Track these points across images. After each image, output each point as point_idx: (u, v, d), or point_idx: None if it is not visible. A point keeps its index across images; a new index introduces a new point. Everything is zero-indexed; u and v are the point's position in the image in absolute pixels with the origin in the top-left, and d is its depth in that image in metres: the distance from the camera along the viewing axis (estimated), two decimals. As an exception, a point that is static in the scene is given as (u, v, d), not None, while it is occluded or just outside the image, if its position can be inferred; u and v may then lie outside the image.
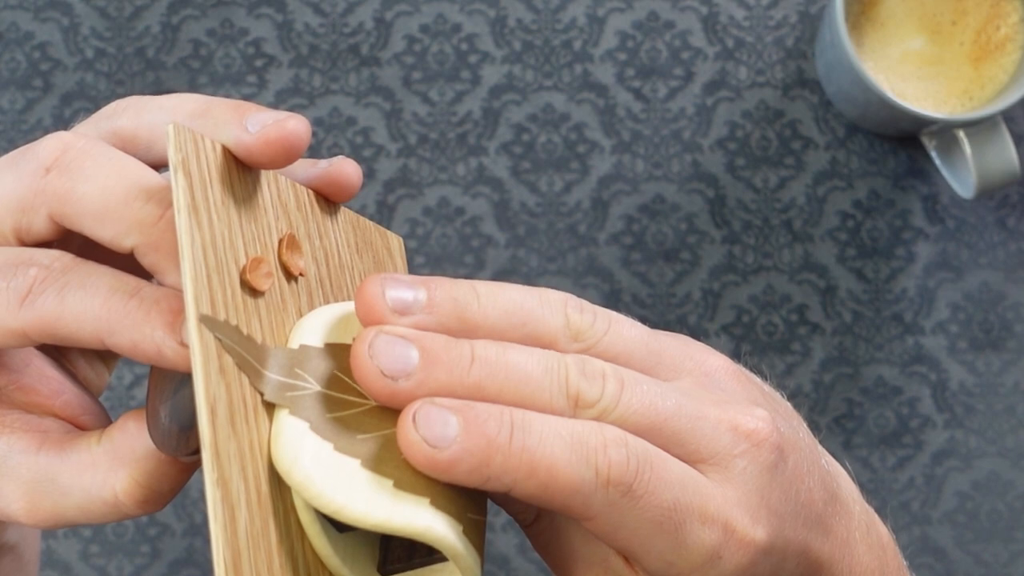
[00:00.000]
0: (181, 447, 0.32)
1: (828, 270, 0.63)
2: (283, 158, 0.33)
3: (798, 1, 0.64)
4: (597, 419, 0.34)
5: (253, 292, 0.32)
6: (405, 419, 0.31)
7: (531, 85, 0.63)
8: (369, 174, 0.63)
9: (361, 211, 0.63)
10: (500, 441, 0.32)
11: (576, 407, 0.34)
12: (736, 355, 0.63)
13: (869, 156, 0.63)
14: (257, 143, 0.33)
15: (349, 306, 0.34)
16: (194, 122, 0.34)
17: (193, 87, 0.63)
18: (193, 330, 0.30)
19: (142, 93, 0.63)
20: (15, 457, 0.36)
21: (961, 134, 0.58)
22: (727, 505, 0.35)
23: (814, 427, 0.62)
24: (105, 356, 0.41)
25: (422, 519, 0.30)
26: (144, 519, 0.62)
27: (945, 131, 0.60)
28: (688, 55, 0.64)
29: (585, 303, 0.36)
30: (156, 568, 0.62)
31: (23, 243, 0.36)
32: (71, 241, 0.37)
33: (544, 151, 0.63)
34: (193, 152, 0.31)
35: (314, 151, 0.63)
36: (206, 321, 0.30)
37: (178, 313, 0.33)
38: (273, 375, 0.31)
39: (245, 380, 0.30)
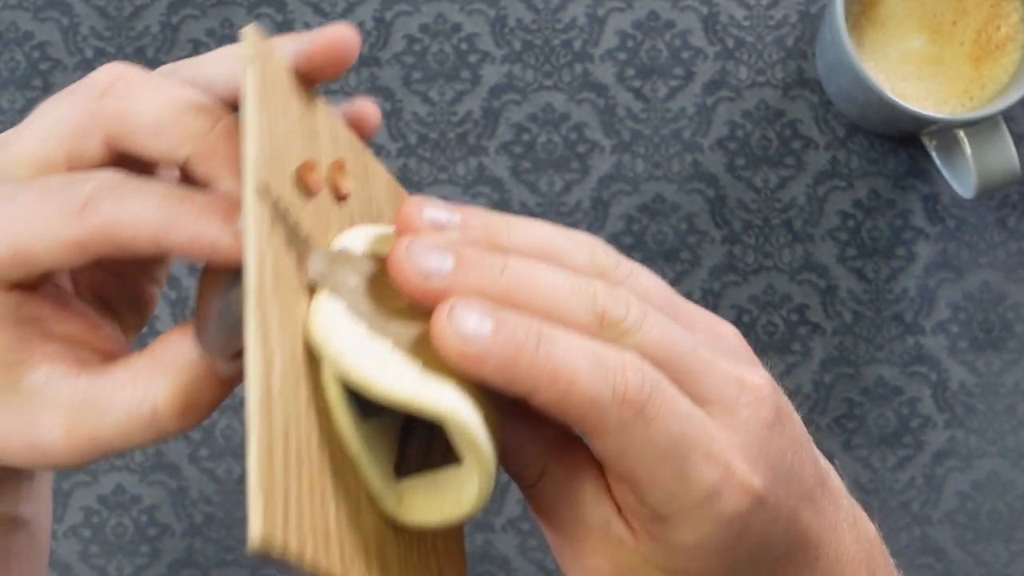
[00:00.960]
0: (229, 346, 0.33)
1: (828, 270, 0.63)
2: (337, 62, 0.35)
3: (798, 1, 0.64)
4: (617, 341, 0.35)
5: (305, 190, 0.33)
6: (441, 312, 0.32)
7: (531, 85, 0.63)
8: (369, 174, 0.63)
9: (361, 211, 0.63)
10: (527, 347, 0.33)
11: (601, 325, 0.35)
12: (736, 355, 0.63)
13: (869, 156, 0.63)
14: (312, 47, 0.35)
15: (389, 228, 0.36)
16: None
17: (193, 87, 0.63)
18: (250, 192, 0.31)
19: (142, 93, 0.63)
20: (55, 384, 0.37)
21: (961, 134, 0.58)
22: (730, 448, 0.37)
23: (814, 427, 0.62)
24: (142, 296, 0.41)
25: (448, 400, 0.31)
26: (144, 519, 0.62)
27: (945, 131, 0.60)
28: (688, 55, 0.64)
29: (611, 248, 0.37)
30: (156, 568, 0.62)
31: (74, 171, 0.37)
32: (120, 170, 0.38)
33: (544, 151, 0.63)
34: (266, 54, 0.33)
35: (314, 151, 0.63)
36: (262, 192, 0.31)
37: (231, 210, 0.34)
38: (318, 259, 0.33)
39: (291, 258, 0.32)
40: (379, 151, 0.63)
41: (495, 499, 0.62)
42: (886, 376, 0.63)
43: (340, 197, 0.35)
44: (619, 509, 0.38)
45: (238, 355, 0.33)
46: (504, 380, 0.33)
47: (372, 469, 0.33)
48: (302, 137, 0.34)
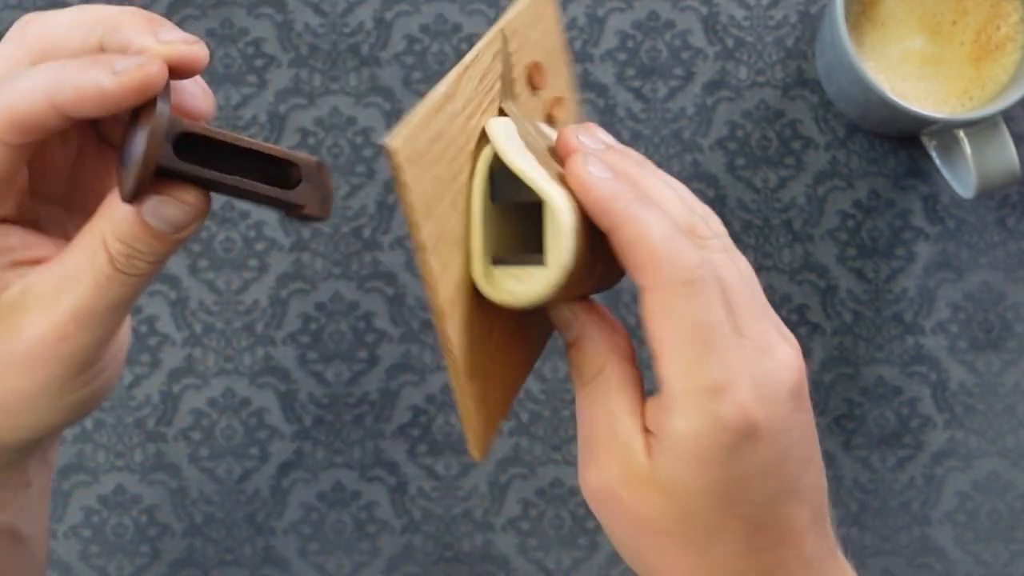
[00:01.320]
0: (132, 184, 0.37)
1: (828, 270, 0.63)
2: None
3: (798, 1, 0.64)
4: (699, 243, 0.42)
5: (531, 83, 0.46)
6: (579, 154, 0.42)
7: (531, 85, 0.63)
8: (369, 174, 0.63)
9: (361, 211, 0.63)
10: (628, 195, 0.41)
11: (688, 231, 0.42)
12: (736, 355, 0.63)
13: (869, 156, 0.63)
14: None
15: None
16: (105, 34, 0.39)
17: (193, 87, 0.63)
18: (496, 28, 0.43)
19: (142, 93, 0.63)
20: (31, 286, 0.39)
21: (961, 134, 0.58)
22: (746, 372, 0.41)
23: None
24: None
25: (556, 193, 0.40)
26: (144, 519, 0.62)
27: (945, 131, 0.60)
28: (688, 55, 0.64)
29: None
30: (156, 568, 0.62)
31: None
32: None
33: (544, 151, 0.63)
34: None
35: (314, 151, 0.63)
36: (504, 35, 0.43)
37: (111, 60, 0.37)
38: (511, 104, 0.43)
39: (495, 87, 0.43)
40: (379, 151, 0.63)
41: (495, 499, 0.62)
42: (886, 376, 0.63)
43: (535, 87, 0.46)
44: (644, 429, 0.42)
45: (137, 194, 0.37)
46: (600, 210, 0.40)
47: (479, 237, 0.41)
48: (537, 30, 0.46)
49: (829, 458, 0.62)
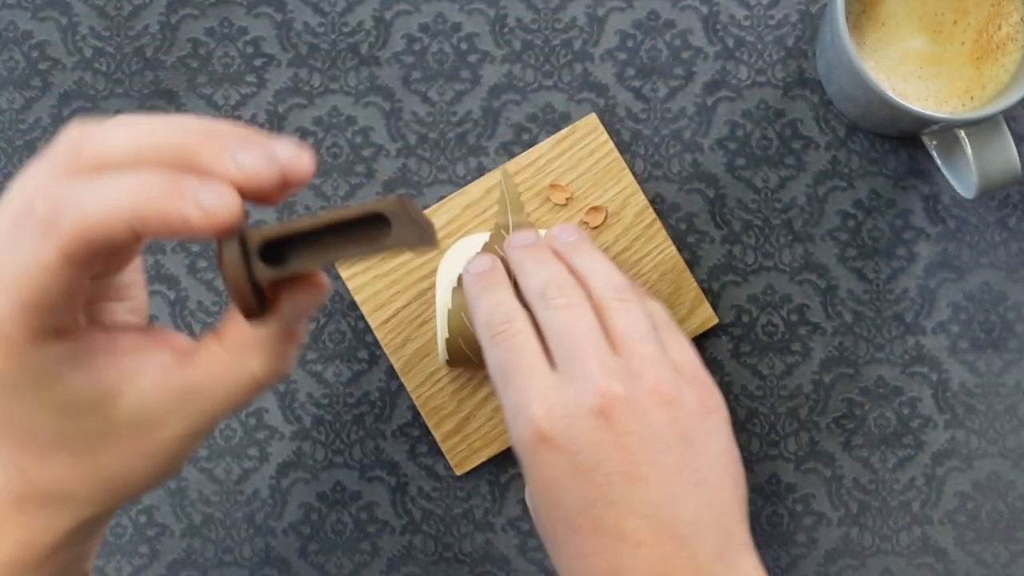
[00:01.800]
0: (259, 303, 0.40)
1: (828, 270, 0.63)
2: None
3: (798, 1, 0.64)
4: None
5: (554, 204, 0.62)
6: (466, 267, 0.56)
7: (531, 85, 0.63)
8: (369, 174, 0.63)
9: (360, 211, 0.63)
10: (475, 288, 0.55)
11: (537, 297, 0.54)
12: (736, 355, 0.62)
13: (870, 156, 0.63)
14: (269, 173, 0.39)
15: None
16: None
17: (192, 86, 0.63)
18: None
19: (141, 92, 0.63)
20: (149, 398, 0.41)
21: (962, 134, 0.58)
22: (543, 397, 0.50)
23: (814, 427, 0.62)
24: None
25: (440, 291, 0.60)
26: (143, 519, 0.62)
27: (946, 131, 0.60)
28: (688, 54, 0.63)
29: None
30: (155, 569, 0.62)
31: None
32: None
33: (544, 151, 0.63)
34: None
35: (313, 151, 0.63)
36: (505, 173, 0.62)
37: (187, 184, 0.37)
38: (508, 218, 0.62)
39: (486, 211, 0.62)
40: (379, 151, 0.63)
41: (495, 499, 0.62)
42: (886, 376, 0.62)
43: (556, 203, 0.63)
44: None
45: (261, 308, 0.40)
46: (465, 295, 0.55)
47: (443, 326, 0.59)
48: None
49: (829, 458, 0.62)
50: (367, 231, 0.40)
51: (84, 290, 0.39)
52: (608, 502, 0.49)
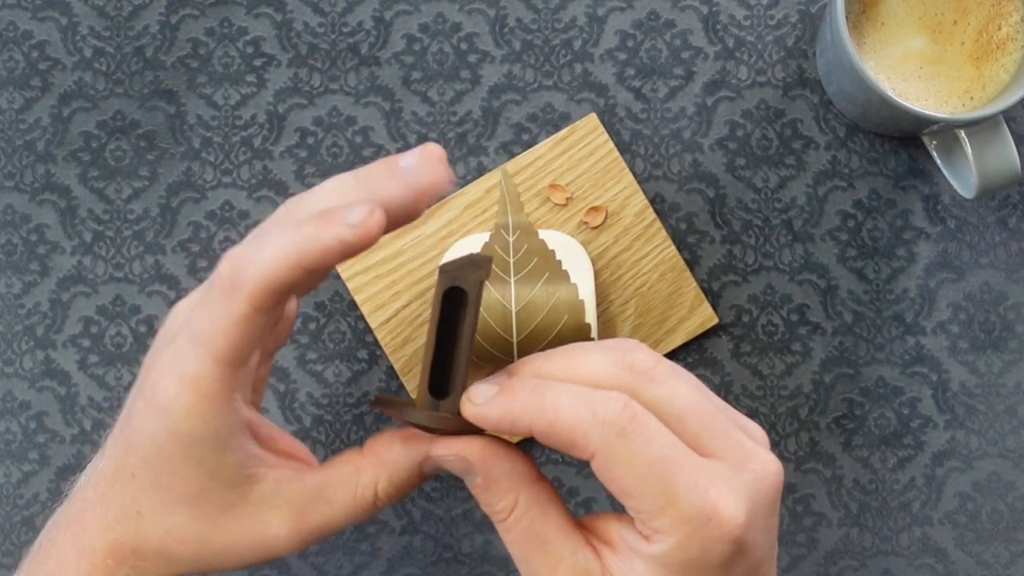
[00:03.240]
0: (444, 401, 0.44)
1: (828, 270, 0.63)
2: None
3: (798, 0, 0.64)
4: (643, 388, 0.42)
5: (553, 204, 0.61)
6: (464, 399, 0.44)
7: (531, 85, 0.63)
8: (368, 174, 0.63)
9: (360, 211, 0.63)
10: (519, 400, 0.43)
11: (630, 371, 0.43)
12: (736, 355, 0.62)
13: (870, 156, 0.63)
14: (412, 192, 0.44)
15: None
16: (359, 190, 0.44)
17: (192, 86, 0.63)
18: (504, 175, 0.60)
19: (140, 92, 0.63)
20: (284, 487, 0.45)
21: (962, 134, 0.58)
22: (723, 484, 0.41)
23: (814, 427, 0.62)
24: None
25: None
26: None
27: (946, 131, 0.60)
28: (688, 54, 0.63)
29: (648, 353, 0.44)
30: (155, 569, 0.62)
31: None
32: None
33: (544, 151, 0.63)
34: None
35: (313, 150, 0.63)
36: (505, 173, 0.61)
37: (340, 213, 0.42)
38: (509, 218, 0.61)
39: (486, 212, 0.62)
40: (379, 151, 0.63)
41: (495, 499, 0.62)
42: (886, 376, 0.62)
43: (556, 203, 0.62)
44: (585, 542, 0.44)
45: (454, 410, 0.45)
46: (508, 425, 0.43)
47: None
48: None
49: (829, 458, 0.62)
50: (451, 310, 0.45)
51: (265, 336, 0.45)
52: None
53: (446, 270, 0.44)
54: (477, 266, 0.44)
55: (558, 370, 0.44)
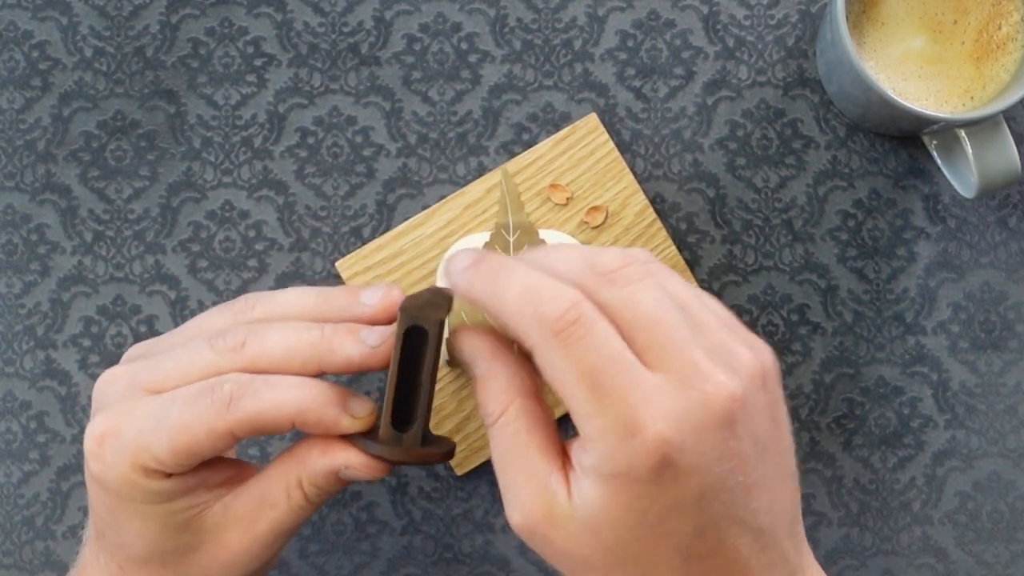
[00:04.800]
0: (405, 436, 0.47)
1: (829, 270, 0.63)
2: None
3: (798, 0, 0.64)
4: (601, 289, 0.42)
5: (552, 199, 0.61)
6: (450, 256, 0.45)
7: (531, 84, 0.63)
8: (369, 174, 0.63)
9: (360, 211, 0.63)
10: (480, 279, 0.43)
11: (592, 272, 0.42)
12: (736, 355, 0.62)
13: (870, 156, 0.63)
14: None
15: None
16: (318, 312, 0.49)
17: (192, 86, 0.63)
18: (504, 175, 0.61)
19: (141, 92, 0.63)
20: (232, 505, 0.48)
21: (962, 133, 0.58)
22: (660, 408, 0.40)
23: (815, 427, 0.62)
24: None
25: (440, 274, 0.60)
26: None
27: (946, 130, 0.60)
28: (689, 54, 0.63)
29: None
30: (155, 569, 0.62)
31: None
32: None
33: (544, 150, 0.63)
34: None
35: (313, 150, 0.63)
36: (505, 173, 0.61)
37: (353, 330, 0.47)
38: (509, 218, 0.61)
39: (487, 211, 0.62)
40: (379, 151, 0.63)
41: (496, 499, 0.62)
42: (887, 376, 0.62)
43: (557, 203, 0.62)
44: (561, 467, 0.43)
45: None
46: (468, 298, 0.44)
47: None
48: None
49: (829, 458, 0.62)
50: (412, 347, 0.46)
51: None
52: (729, 520, 0.42)
53: (406, 308, 0.45)
54: (438, 305, 0.45)
55: (534, 258, 0.43)
